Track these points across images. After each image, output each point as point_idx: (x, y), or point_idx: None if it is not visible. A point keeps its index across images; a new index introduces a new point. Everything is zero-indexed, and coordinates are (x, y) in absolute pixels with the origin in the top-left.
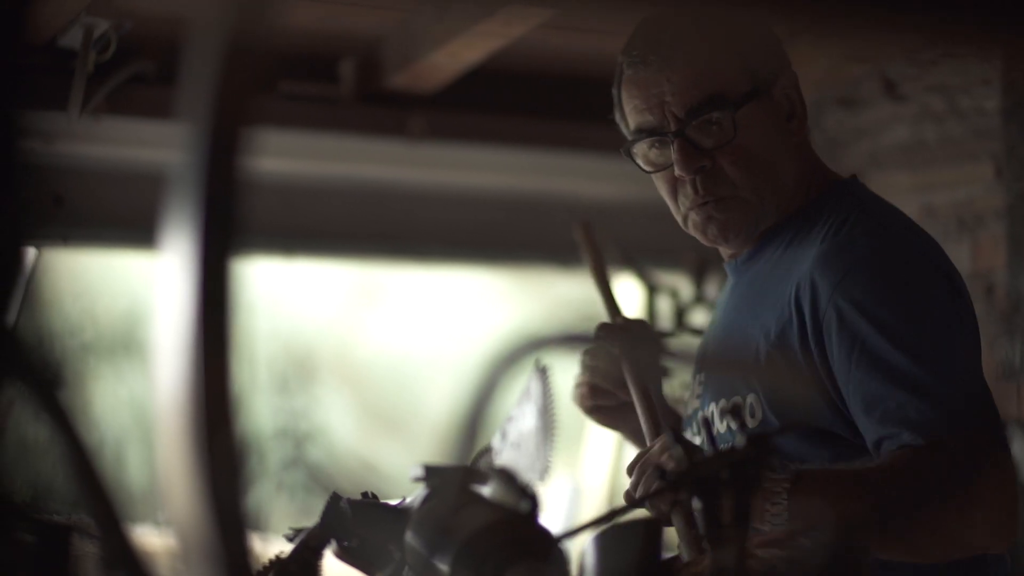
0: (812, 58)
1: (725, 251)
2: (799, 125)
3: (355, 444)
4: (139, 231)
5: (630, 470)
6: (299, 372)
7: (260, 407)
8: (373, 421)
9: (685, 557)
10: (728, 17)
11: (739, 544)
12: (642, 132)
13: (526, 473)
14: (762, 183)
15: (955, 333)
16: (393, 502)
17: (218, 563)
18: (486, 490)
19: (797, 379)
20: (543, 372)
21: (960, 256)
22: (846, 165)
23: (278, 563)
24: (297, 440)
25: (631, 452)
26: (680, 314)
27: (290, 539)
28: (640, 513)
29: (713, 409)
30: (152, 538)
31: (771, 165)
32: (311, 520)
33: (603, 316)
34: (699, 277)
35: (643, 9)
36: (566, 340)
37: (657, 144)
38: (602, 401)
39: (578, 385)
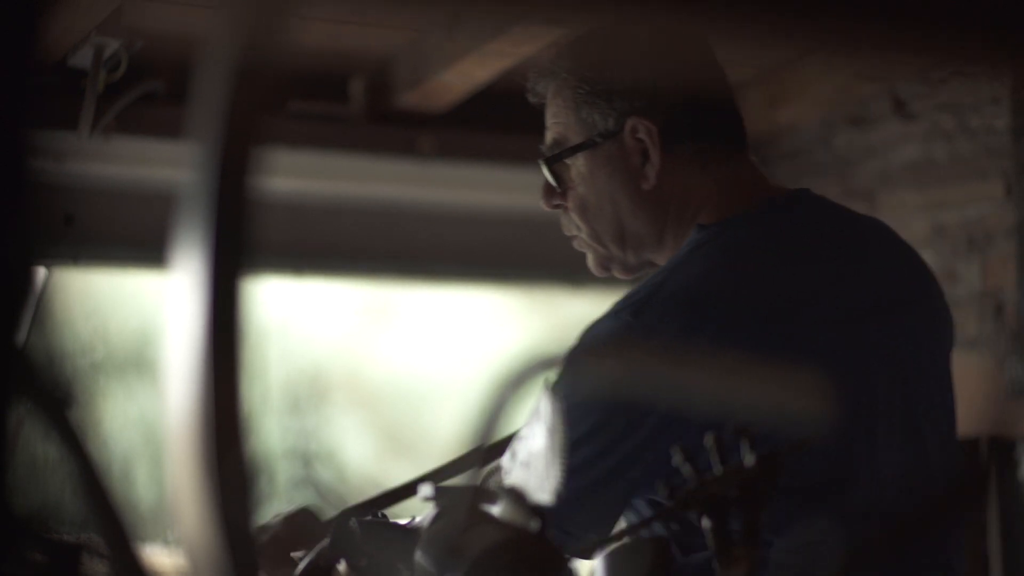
0: (822, 77)
1: None
2: (652, 169)
3: (366, 464)
4: (149, 250)
5: None
6: (310, 392)
7: (271, 427)
8: (384, 441)
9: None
10: (624, 44)
11: (749, 562)
12: None
13: (536, 492)
14: (600, 231)
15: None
16: (402, 521)
17: None
18: (496, 509)
19: None
20: (553, 391)
21: (970, 275)
22: (856, 184)
23: None
24: (308, 460)
25: None
26: None
27: (300, 558)
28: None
29: None
30: (162, 557)
31: (607, 214)
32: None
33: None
34: None
35: (656, 27)
36: None
37: None
38: None
39: None
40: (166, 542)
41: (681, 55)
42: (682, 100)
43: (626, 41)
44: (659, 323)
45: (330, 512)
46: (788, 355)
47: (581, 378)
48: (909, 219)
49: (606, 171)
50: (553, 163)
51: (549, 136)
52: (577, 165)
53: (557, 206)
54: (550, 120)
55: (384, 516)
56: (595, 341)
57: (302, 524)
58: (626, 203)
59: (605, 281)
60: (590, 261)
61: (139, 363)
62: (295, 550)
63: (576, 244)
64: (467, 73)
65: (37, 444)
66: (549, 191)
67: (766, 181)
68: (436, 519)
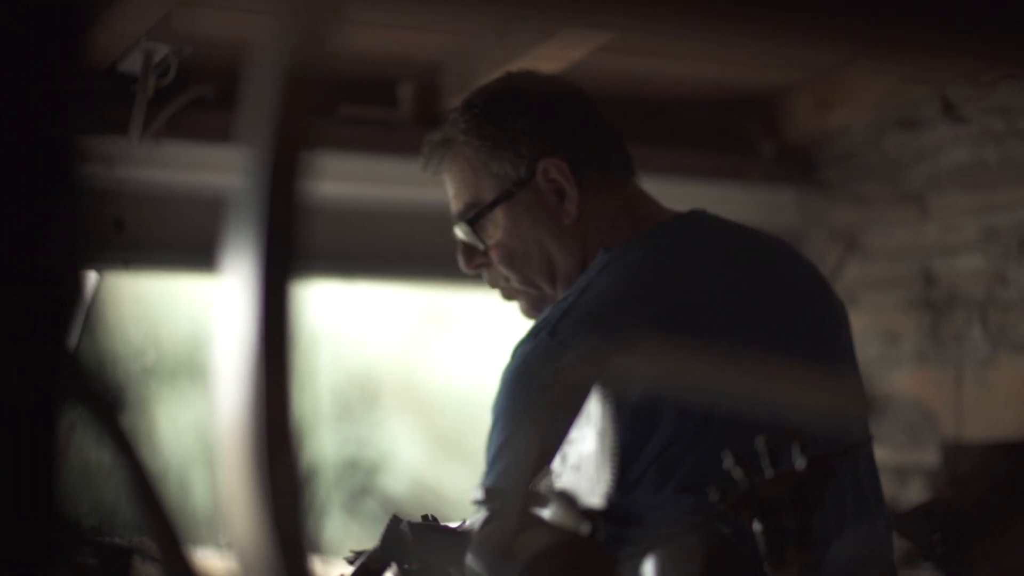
0: (872, 80)
1: None
2: (572, 204)
3: (420, 470)
4: (200, 255)
5: None
6: (362, 397)
7: (323, 433)
8: (438, 447)
9: None
10: (542, 89)
11: (800, 565)
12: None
13: (586, 496)
14: (531, 274)
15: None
16: (453, 524)
17: None
18: (546, 512)
19: None
20: (604, 395)
21: (1020, 277)
22: (906, 187)
23: None
24: (363, 467)
25: None
26: None
27: (351, 562)
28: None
29: None
30: (214, 561)
31: (535, 256)
32: (372, 543)
33: None
34: None
35: (703, 31)
36: None
37: None
38: None
39: None
40: (218, 546)
41: (563, 91)
42: (581, 132)
43: (511, 92)
44: (573, 340)
45: (384, 517)
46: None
47: (512, 397)
48: (959, 222)
49: (528, 217)
50: (475, 224)
51: (459, 202)
52: (496, 220)
53: (480, 265)
54: (455, 187)
55: (435, 519)
56: (520, 362)
57: None
58: (552, 242)
59: None
60: (522, 307)
61: (191, 368)
62: None
63: (504, 296)
64: None
65: (89, 449)
66: (470, 253)
67: (659, 204)
68: (487, 523)
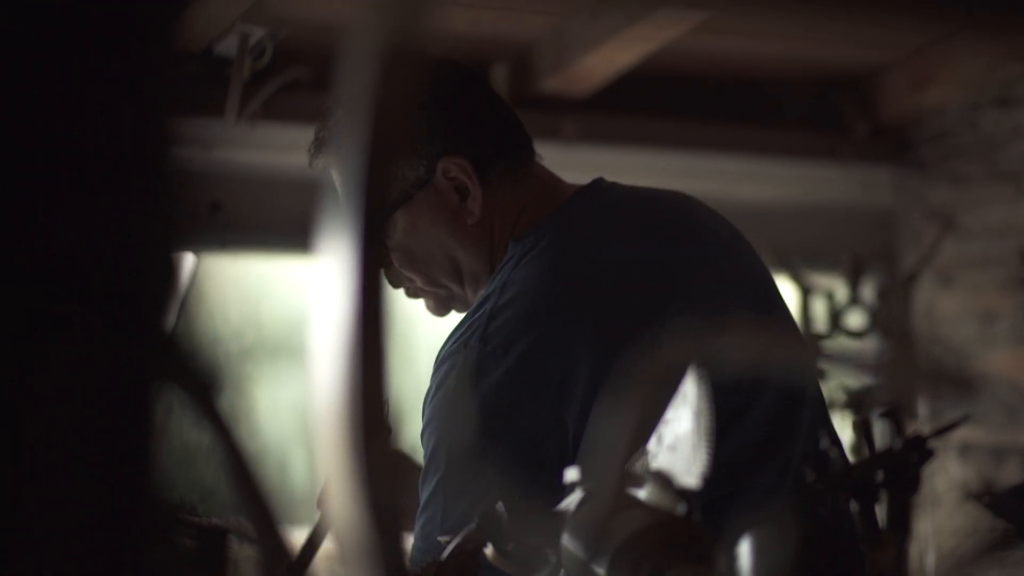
0: (967, 59)
1: None
2: (475, 203)
3: None
4: (296, 236)
5: None
6: None
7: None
8: None
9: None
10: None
11: (897, 547)
12: None
13: (683, 476)
14: (435, 275)
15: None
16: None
17: (375, 564)
18: (642, 493)
19: None
20: (699, 374)
21: None
22: (1002, 165)
23: (435, 565)
24: None
25: None
26: (836, 316)
27: (446, 543)
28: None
29: None
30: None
31: (438, 257)
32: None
33: None
34: (855, 278)
35: (794, 12)
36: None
37: None
38: None
39: None
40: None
41: (459, 78)
42: (482, 123)
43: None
44: (509, 343)
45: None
46: (641, 332)
47: (447, 414)
48: None
49: (428, 218)
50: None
51: None
52: (394, 222)
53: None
54: None
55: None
56: (452, 374)
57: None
58: (454, 243)
59: None
60: (428, 306)
61: (289, 348)
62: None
63: (408, 294)
64: (610, 58)
65: (187, 430)
66: None
67: (560, 180)
68: (583, 503)
